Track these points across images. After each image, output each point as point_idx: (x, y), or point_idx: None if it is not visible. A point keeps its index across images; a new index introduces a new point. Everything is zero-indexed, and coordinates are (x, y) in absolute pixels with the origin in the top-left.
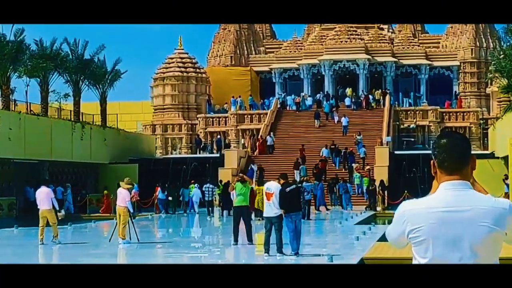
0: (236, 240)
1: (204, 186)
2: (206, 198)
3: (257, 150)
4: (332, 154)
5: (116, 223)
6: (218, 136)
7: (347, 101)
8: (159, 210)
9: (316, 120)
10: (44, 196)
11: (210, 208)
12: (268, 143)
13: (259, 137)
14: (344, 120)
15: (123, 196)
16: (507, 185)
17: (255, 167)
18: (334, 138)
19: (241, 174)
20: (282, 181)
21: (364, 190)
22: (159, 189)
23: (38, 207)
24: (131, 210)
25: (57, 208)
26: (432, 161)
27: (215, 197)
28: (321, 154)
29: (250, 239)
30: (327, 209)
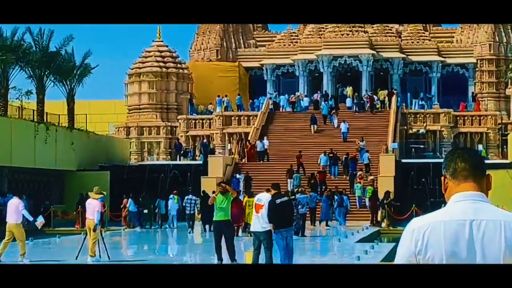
0: (220, 259)
1: (186, 197)
2: (188, 211)
3: (245, 157)
4: (330, 162)
5: (84, 238)
6: (204, 140)
7: (348, 102)
8: (127, 225)
9: (312, 125)
10: (12, 209)
11: (191, 222)
12: (258, 149)
13: (247, 142)
14: (343, 126)
15: (93, 208)
16: None
17: (241, 177)
18: (332, 144)
19: (223, 184)
20: (273, 192)
21: (367, 203)
22: (129, 200)
23: (6, 219)
24: (97, 222)
25: (31, 220)
26: (442, 177)
27: (198, 210)
28: (318, 162)
29: (233, 258)
30: (327, 225)
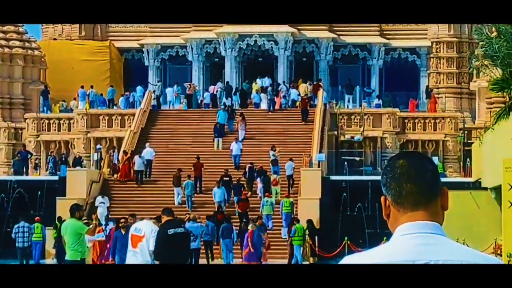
0: None
1: (16, 226)
2: (20, 245)
3: (118, 174)
4: (229, 193)
5: None
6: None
7: (255, 98)
8: None
9: (216, 139)
10: None
11: (24, 259)
12: (136, 167)
13: (122, 152)
14: (234, 148)
15: None
16: None
17: (105, 201)
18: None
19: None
20: (164, 219)
21: (284, 219)
22: None
23: None
24: None
25: None
26: (382, 197)
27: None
28: (213, 197)
29: None
30: None
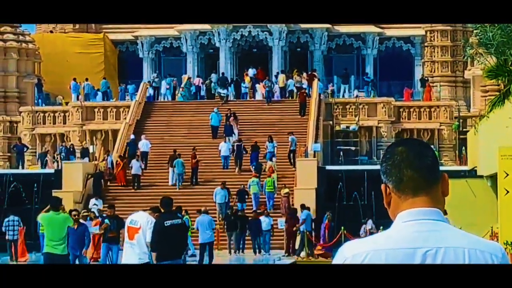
0: None
1: (6, 219)
2: (10, 237)
3: (116, 177)
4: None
5: None
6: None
7: (245, 88)
8: None
9: (225, 138)
10: None
11: (14, 253)
12: (134, 171)
13: (118, 157)
14: (224, 148)
15: None
16: None
17: (99, 203)
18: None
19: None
20: (162, 211)
21: (267, 198)
22: None
23: None
24: None
25: None
26: (383, 185)
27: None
28: (213, 199)
29: None
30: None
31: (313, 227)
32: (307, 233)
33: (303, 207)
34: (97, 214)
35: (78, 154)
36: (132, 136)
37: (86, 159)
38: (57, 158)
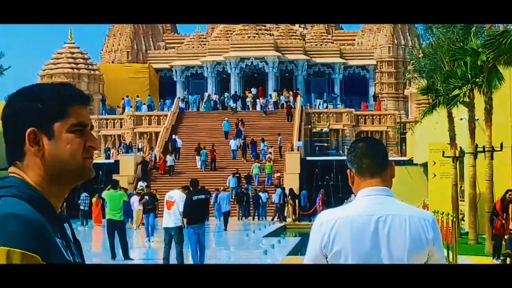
0: (113, 256)
1: (82, 195)
2: (83, 207)
3: (158, 169)
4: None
5: None
6: (174, 136)
7: (248, 102)
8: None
9: (234, 137)
10: None
11: (84, 220)
12: (168, 163)
13: (161, 152)
14: (232, 143)
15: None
16: None
17: (144, 184)
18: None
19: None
20: (191, 189)
21: (266, 177)
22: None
23: None
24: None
25: None
26: (348, 170)
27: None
28: (227, 184)
29: (126, 256)
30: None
31: (288, 200)
32: (292, 203)
33: (277, 186)
34: (143, 192)
35: (134, 150)
36: (173, 136)
37: (139, 153)
38: (120, 152)
